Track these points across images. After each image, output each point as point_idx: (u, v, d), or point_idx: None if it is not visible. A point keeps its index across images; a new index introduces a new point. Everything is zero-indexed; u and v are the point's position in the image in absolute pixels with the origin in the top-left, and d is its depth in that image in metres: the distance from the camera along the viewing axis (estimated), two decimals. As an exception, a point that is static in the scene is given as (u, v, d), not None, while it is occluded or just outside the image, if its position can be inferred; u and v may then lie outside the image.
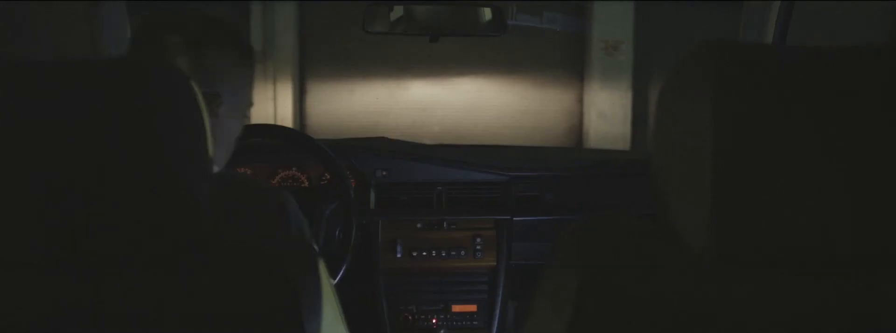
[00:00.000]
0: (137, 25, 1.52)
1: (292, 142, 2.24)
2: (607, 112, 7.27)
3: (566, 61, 7.36)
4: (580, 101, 7.43)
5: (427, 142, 3.10)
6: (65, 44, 2.11)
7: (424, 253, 2.49)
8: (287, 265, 0.91)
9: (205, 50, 1.48)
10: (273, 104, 7.08)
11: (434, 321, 2.51)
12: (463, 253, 2.50)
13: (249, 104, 1.59)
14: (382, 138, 2.84)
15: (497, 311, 2.51)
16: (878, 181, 0.81)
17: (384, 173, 2.53)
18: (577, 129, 7.44)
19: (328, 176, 2.50)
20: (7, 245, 0.86)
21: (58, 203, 0.84)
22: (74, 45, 2.08)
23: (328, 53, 7.18)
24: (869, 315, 0.84)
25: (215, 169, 1.52)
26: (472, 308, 2.54)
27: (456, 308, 2.53)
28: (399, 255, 2.48)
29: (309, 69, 7.30)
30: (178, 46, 1.46)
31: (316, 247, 1.31)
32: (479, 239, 2.50)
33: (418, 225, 2.51)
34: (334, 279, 2.07)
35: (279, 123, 3.71)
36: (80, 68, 0.88)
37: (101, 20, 2.06)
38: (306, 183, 2.54)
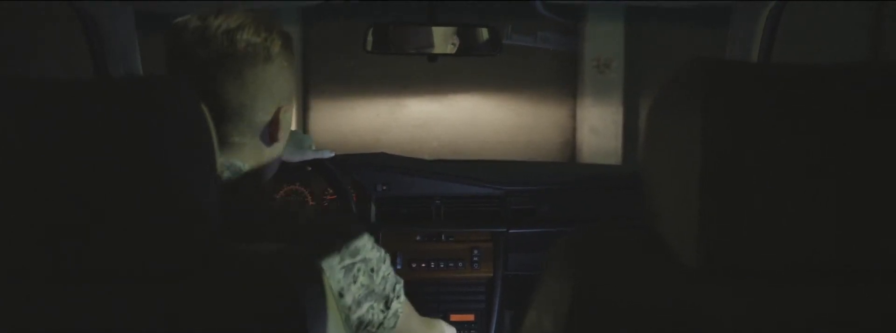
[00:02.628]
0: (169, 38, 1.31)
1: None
2: (599, 127, 7.27)
3: (559, 79, 7.37)
4: (573, 117, 7.43)
5: (426, 157, 3.09)
6: (71, 57, 2.11)
7: (423, 265, 2.48)
8: (292, 276, 0.91)
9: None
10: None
11: None
12: (461, 264, 2.49)
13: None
14: (383, 154, 2.83)
15: (494, 320, 2.50)
16: (862, 193, 0.81)
17: (384, 187, 2.53)
18: (571, 144, 7.44)
19: (331, 191, 2.51)
20: (17, 258, 0.86)
21: (67, 217, 0.84)
22: (80, 58, 2.08)
23: (330, 72, 7.18)
24: (855, 324, 0.84)
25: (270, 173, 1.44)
26: (470, 317, 2.53)
27: (454, 317, 2.52)
28: (399, 266, 2.47)
29: (312, 87, 7.31)
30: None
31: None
32: (476, 251, 2.49)
33: (418, 238, 2.50)
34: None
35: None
36: (89, 85, 0.88)
37: (110, 34, 2.06)
38: (310, 198, 2.54)
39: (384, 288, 1.35)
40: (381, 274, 1.34)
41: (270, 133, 1.35)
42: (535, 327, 0.95)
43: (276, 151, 1.41)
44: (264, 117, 1.34)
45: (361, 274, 1.29)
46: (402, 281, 1.41)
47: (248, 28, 1.29)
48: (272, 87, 1.32)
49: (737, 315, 0.84)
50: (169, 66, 1.31)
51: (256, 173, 1.37)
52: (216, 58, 1.27)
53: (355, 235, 1.31)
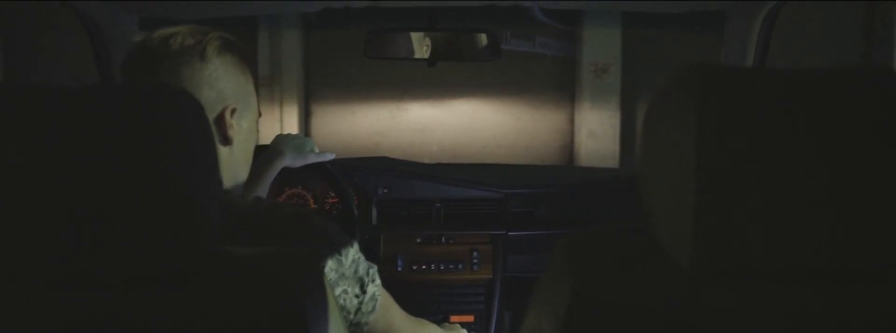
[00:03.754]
0: (131, 50, 1.37)
1: None
2: (597, 131, 7.28)
3: (558, 83, 7.38)
4: (571, 121, 7.44)
5: (426, 161, 3.10)
6: (75, 64, 2.11)
7: (424, 267, 2.49)
8: (293, 278, 0.91)
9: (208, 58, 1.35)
10: (280, 126, 7.09)
11: None
12: (461, 266, 2.50)
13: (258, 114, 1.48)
14: (384, 158, 2.84)
15: (493, 321, 2.51)
16: (855, 195, 0.81)
17: (385, 191, 2.54)
18: (569, 148, 7.45)
19: (333, 194, 2.51)
20: (22, 264, 0.86)
21: (69, 221, 0.84)
22: (84, 64, 2.08)
23: (332, 77, 7.20)
24: (848, 323, 0.84)
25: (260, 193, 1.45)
26: (470, 318, 2.53)
27: (454, 318, 2.52)
28: (400, 268, 2.48)
29: (314, 93, 7.32)
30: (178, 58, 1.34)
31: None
32: (475, 253, 2.49)
33: (418, 240, 2.51)
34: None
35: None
36: (92, 93, 0.88)
37: (114, 40, 2.06)
38: (312, 201, 2.54)
39: (356, 271, 1.36)
40: (350, 258, 1.35)
41: (221, 134, 1.37)
42: (535, 328, 0.95)
43: (238, 155, 1.42)
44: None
45: (330, 259, 1.31)
46: (375, 266, 1.42)
47: (183, 33, 1.35)
48: (214, 86, 1.35)
49: (733, 315, 0.84)
50: (123, 75, 1.37)
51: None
52: (153, 60, 1.32)
53: (319, 223, 1.33)
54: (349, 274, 1.34)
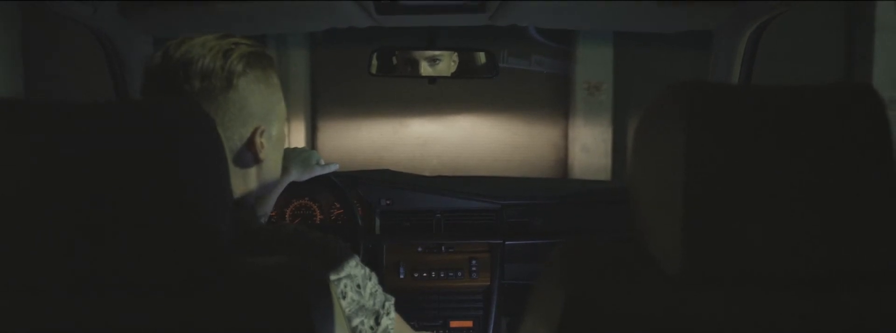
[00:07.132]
0: (153, 63, 1.26)
1: None
2: (590, 146, 7.28)
3: (552, 100, 7.38)
4: (565, 137, 7.43)
5: (427, 173, 3.10)
6: (92, 80, 2.12)
7: (425, 274, 2.49)
8: (301, 288, 0.91)
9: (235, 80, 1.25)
10: (288, 141, 7.07)
11: None
12: (460, 273, 2.50)
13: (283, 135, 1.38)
14: (386, 170, 2.85)
15: (491, 326, 2.51)
16: (838, 206, 0.81)
17: (388, 202, 2.54)
18: (563, 162, 7.44)
19: (338, 206, 2.52)
20: (35, 272, 0.85)
21: (84, 234, 0.83)
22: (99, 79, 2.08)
23: (337, 94, 7.19)
24: (835, 330, 0.84)
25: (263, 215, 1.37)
26: (469, 323, 2.54)
27: (454, 323, 2.53)
28: (402, 276, 2.48)
29: (320, 109, 7.32)
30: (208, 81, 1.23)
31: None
32: (474, 261, 2.50)
33: (419, 249, 2.51)
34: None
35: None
36: (111, 107, 0.88)
37: (129, 60, 2.07)
38: (318, 212, 2.54)
39: (374, 304, 1.32)
40: (368, 291, 1.31)
41: (252, 155, 1.30)
42: (530, 331, 0.95)
43: (267, 173, 1.36)
44: (236, 143, 1.28)
45: (350, 291, 1.26)
46: (392, 299, 1.38)
47: (204, 56, 1.24)
48: (242, 112, 1.26)
49: (720, 321, 0.84)
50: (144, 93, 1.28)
51: (245, 195, 1.33)
52: (176, 91, 1.23)
53: (338, 251, 1.28)
54: (368, 307, 1.31)
